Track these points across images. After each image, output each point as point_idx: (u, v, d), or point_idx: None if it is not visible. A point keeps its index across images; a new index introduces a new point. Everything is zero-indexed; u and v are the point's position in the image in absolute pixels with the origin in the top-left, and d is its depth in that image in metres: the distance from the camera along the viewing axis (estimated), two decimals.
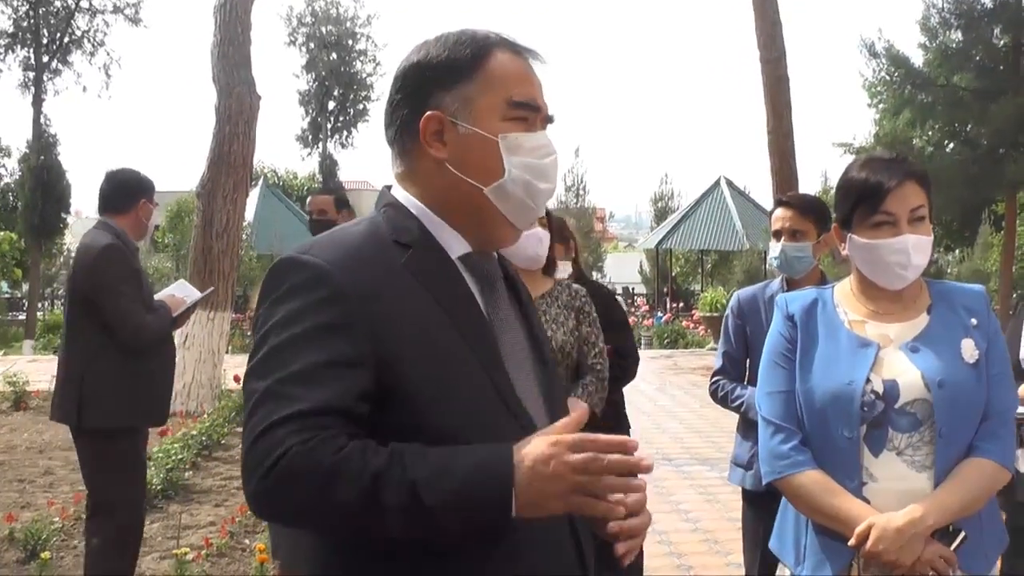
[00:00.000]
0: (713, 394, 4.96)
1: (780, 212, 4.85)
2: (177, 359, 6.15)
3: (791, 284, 4.76)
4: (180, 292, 6.32)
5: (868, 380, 2.99)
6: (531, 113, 2.17)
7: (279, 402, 1.85)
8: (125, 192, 5.92)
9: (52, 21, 37.15)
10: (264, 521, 1.86)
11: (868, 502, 2.96)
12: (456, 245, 2.17)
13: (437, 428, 1.92)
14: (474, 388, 2.02)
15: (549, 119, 2.23)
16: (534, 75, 2.22)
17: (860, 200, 3.05)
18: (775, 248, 4.82)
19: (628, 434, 5.40)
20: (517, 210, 2.17)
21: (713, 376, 4.97)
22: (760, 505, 4.52)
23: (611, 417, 5.21)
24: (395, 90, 2.21)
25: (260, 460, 1.82)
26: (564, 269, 5.30)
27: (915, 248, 3.01)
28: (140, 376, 5.69)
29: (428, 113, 2.13)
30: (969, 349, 3.03)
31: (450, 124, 2.12)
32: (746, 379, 4.89)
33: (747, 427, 4.80)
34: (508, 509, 1.80)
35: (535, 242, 4.67)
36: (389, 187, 2.26)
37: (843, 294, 3.24)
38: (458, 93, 2.13)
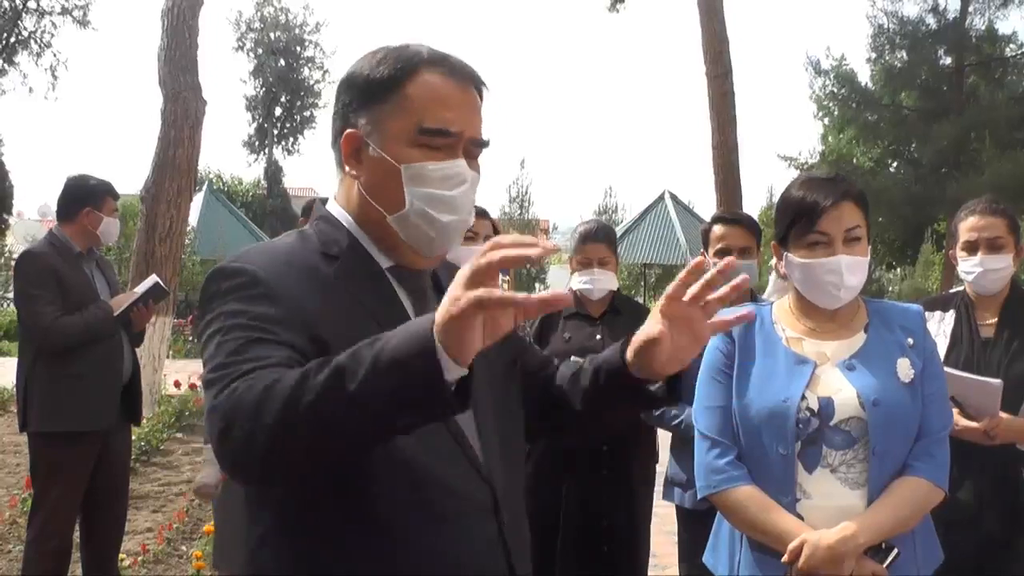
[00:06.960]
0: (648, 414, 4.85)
1: (725, 229, 4.79)
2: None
3: None
4: (145, 289, 6.14)
5: (804, 397, 3.00)
6: (445, 140, 2.08)
7: (226, 376, 1.81)
8: (69, 199, 5.95)
9: None
10: (241, 483, 1.78)
11: (802, 518, 2.97)
12: (383, 258, 2.16)
13: None
14: None
15: (482, 144, 2.15)
16: (462, 98, 2.11)
17: (796, 219, 3.07)
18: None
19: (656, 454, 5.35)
20: (420, 240, 2.12)
21: None
22: (698, 524, 4.51)
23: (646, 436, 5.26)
24: (335, 103, 2.20)
25: (218, 413, 1.76)
26: (608, 281, 5.19)
27: (848, 268, 3.03)
28: (70, 379, 5.65)
29: (347, 131, 2.12)
30: (905, 368, 3.05)
31: (365, 145, 2.10)
32: None
33: (683, 445, 4.70)
34: (432, 350, 1.60)
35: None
36: (324, 200, 2.26)
37: (781, 311, 3.26)
38: (373, 114, 2.09)
